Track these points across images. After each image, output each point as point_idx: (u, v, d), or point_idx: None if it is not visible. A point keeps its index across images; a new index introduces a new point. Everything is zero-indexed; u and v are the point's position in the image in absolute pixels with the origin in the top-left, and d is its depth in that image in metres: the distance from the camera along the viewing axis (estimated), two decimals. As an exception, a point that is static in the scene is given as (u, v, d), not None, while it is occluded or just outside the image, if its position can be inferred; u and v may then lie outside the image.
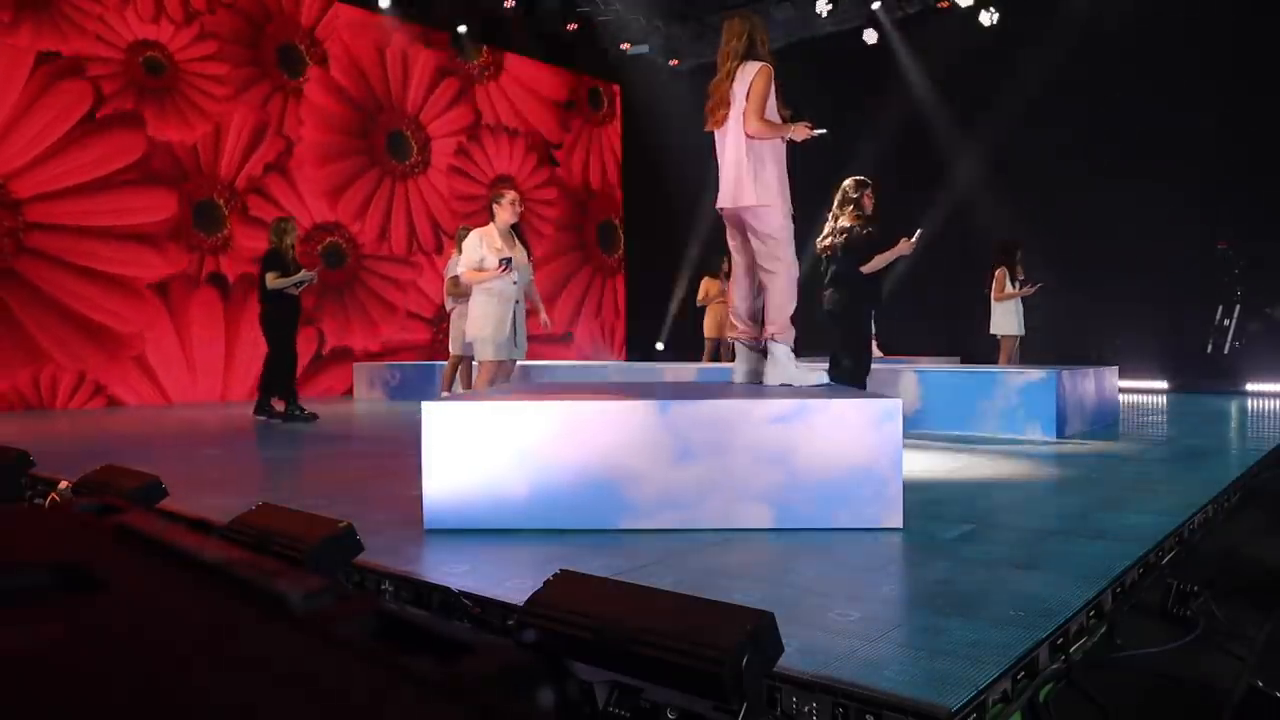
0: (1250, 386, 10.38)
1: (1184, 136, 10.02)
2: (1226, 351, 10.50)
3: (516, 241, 6.00)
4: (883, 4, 11.96)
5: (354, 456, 5.88)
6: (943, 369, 7.80)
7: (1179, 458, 5.33)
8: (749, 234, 4.32)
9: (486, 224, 5.97)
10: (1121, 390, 8.38)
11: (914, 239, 5.88)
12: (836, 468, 3.31)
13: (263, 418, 7.82)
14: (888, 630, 2.16)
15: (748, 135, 4.16)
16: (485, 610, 2.41)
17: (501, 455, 3.34)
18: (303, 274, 7.72)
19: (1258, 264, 10.09)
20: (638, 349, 15.00)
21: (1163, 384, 10.90)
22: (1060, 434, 6.20)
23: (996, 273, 8.85)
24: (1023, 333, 8.82)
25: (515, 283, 5.82)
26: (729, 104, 4.22)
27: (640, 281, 15.36)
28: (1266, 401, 9.51)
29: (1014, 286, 8.78)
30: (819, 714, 1.77)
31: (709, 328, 10.86)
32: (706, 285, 10.84)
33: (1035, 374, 6.36)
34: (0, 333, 8.88)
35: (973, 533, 3.24)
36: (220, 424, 7.69)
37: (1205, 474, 4.58)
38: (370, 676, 0.51)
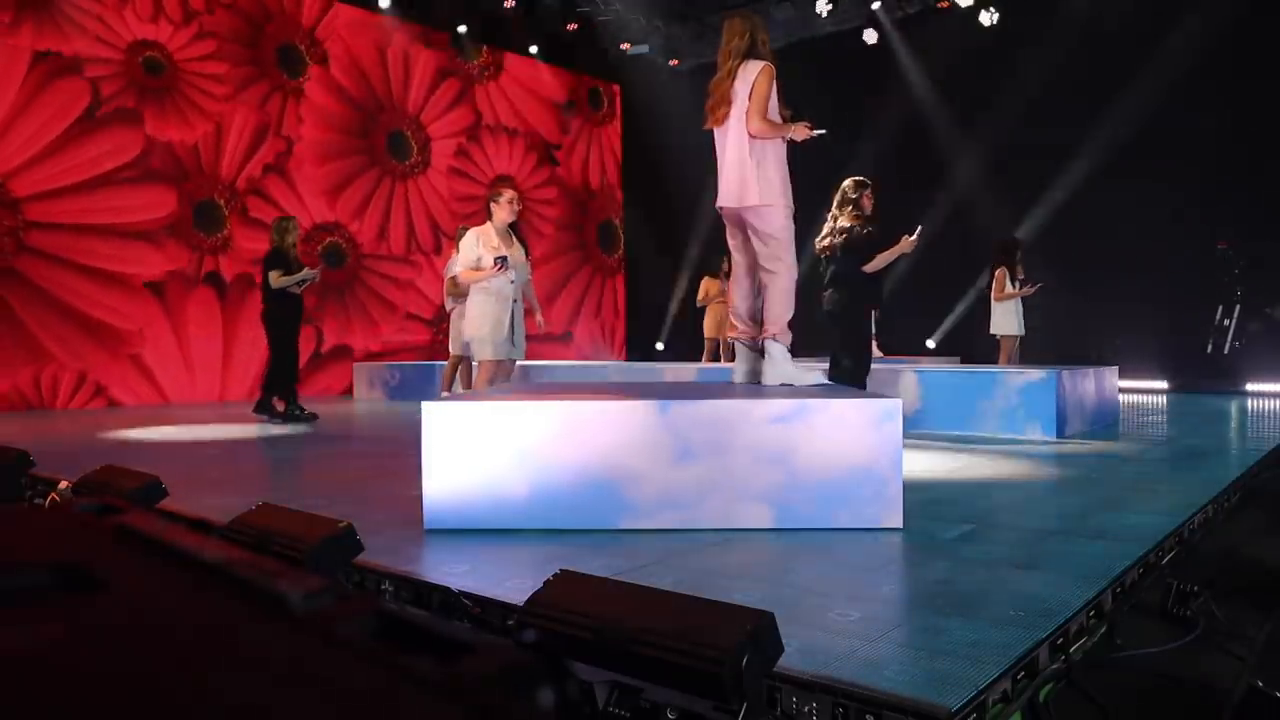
0: (1250, 386, 10.39)
1: (1184, 136, 10.02)
2: (1226, 351, 10.50)
3: (514, 240, 5.98)
4: (883, 4, 11.96)
5: (354, 456, 5.88)
6: (943, 369, 7.80)
7: (1179, 458, 5.33)
8: (750, 234, 4.32)
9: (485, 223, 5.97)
10: (1121, 390, 8.38)
11: (914, 236, 5.89)
12: (836, 468, 3.31)
13: (264, 416, 7.83)
14: (888, 630, 2.16)
15: (750, 135, 4.15)
16: (485, 610, 2.41)
17: (501, 455, 3.34)
18: (306, 272, 7.73)
19: (1258, 264, 10.09)
20: (638, 349, 15.00)
21: (1163, 384, 10.90)
22: (1060, 434, 6.20)
23: (996, 273, 8.85)
24: (1023, 333, 8.81)
25: (513, 281, 5.80)
26: (730, 102, 4.22)
27: (640, 281, 15.36)
28: (1266, 401, 9.51)
29: (1014, 286, 8.78)
30: (819, 714, 1.77)
31: (709, 328, 10.87)
32: (706, 285, 10.84)
33: (1035, 374, 6.37)
34: (1, 331, 8.90)
35: (973, 533, 3.24)
36: (220, 424, 7.68)
37: (1205, 474, 4.58)
38: (370, 676, 0.51)
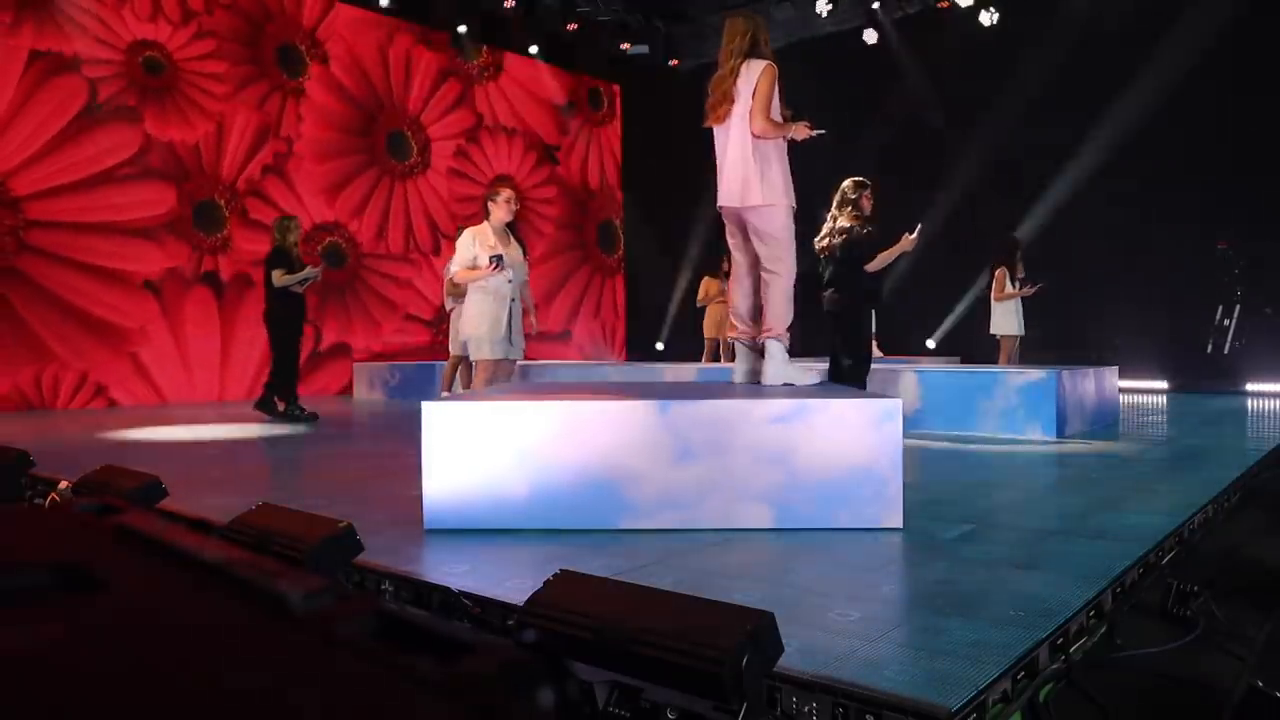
0: (1250, 386, 10.38)
1: (1184, 136, 10.02)
2: (1226, 351, 10.50)
3: (511, 239, 5.97)
4: (883, 4, 11.96)
5: (354, 456, 5.88)
6: (943, 369, 7.80)
7: (1179, 458, 5.33)
8: (751, 234, 4.31)
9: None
10: (1121, 390, 8.38)
11: (914, 235, 5.90)
12: (836, 468, 3.31)
13: (264, 413, 7.83)
14: (888, 630, 2.16)
15: (754, 135, 4.15)
16: (485, 610, 2.41)
17: (501, 455, 3.34)
18: (308, 270, 7.74)
19: (1258, 264, 10.09)
20: (638, 349, 14.99)
21: (1163, 384, 10.90)
22: (1060, 434, 6.20)
23: (996, 273, 8.85)
24: (1023, 333, 8.82)
25: (510, 280, 5.78)
26: (732, 100, 4.22)
27: (640, 281, 15.36)
28: (1266, 401, 9.51)
29: (1014, 286, 8.78)
30: (819, 714, 1.77)
31: (709, 328, 10.87)
32: (706, 285, 10.84)
33: (1035, 374, 6.37)
34: (2, 330, 8.90)
35: (973, 533, 3.24)
36: (219, 423, 7.68)
37: (1205, 474, 4.58)
38: (370, 676, 0.51)
